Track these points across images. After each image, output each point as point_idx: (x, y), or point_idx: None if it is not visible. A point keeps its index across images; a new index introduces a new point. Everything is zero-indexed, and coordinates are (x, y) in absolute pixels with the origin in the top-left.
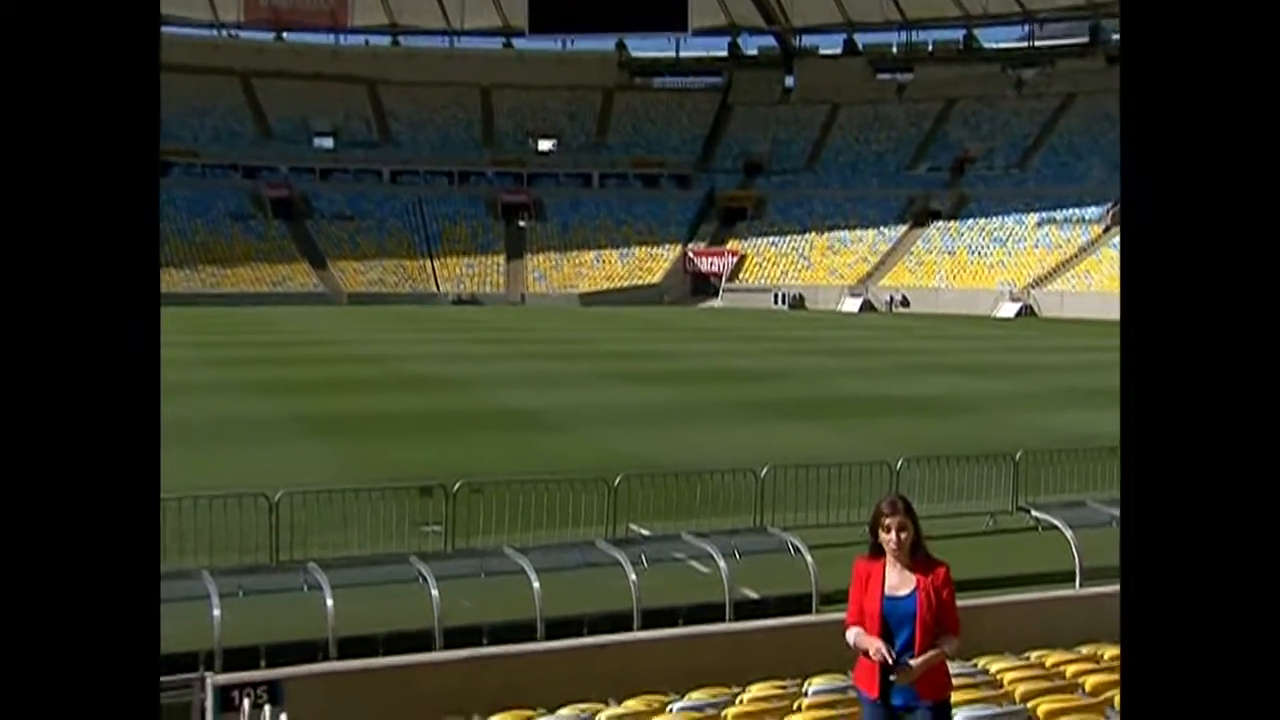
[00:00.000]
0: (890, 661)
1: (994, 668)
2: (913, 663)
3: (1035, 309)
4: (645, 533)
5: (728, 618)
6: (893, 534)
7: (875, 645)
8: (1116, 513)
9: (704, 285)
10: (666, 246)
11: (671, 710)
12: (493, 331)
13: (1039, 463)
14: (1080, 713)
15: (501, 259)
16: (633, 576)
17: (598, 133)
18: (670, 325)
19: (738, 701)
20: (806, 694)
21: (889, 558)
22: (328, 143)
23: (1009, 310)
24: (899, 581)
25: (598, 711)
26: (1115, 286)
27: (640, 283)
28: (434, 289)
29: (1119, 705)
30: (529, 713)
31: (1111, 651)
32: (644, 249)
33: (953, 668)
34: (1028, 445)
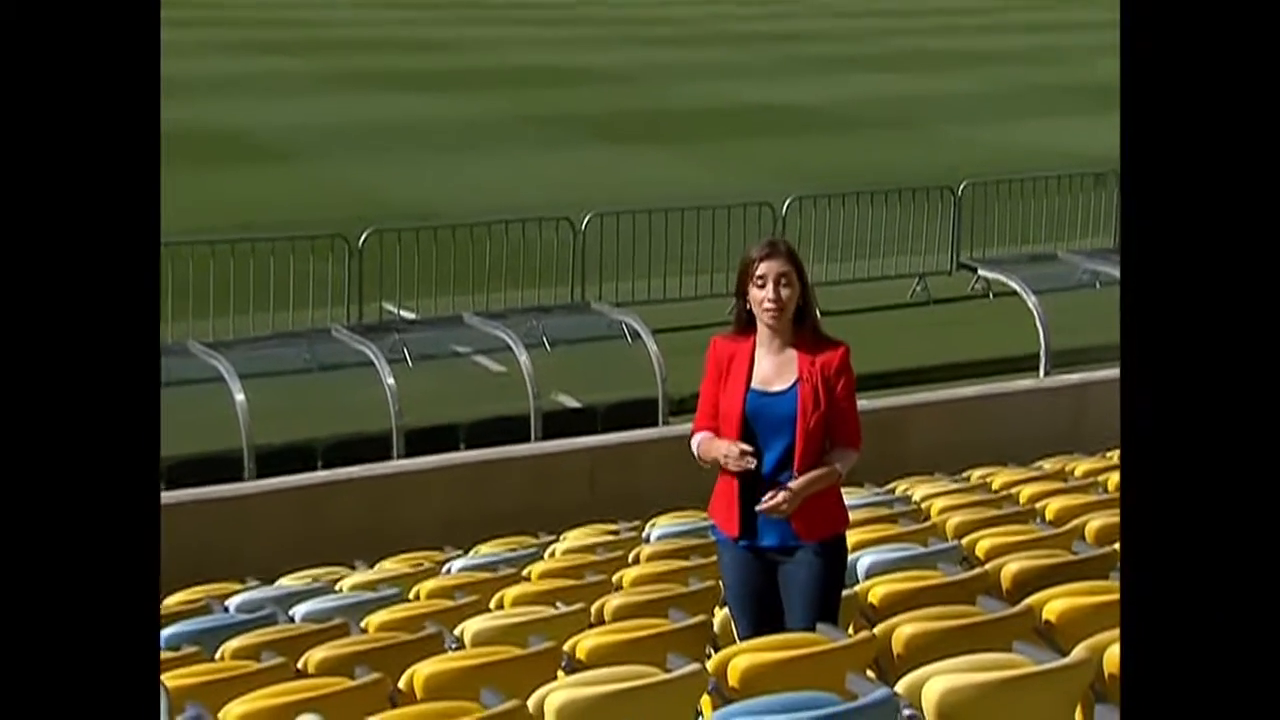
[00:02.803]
0: (752, 472)
1: (918, 493)
2: (792, 486)
3: None
4: (409, 315)
5: (533, 436)
6: (769, 288)
7: (727, 449)
8: (1098, 268)
9: None
10: None
11: (450, 570)
12: None
13: (992, 198)
14: (1037, 548)
15: None
16: (389, 380)
17: None
18: None
19: (548, 554)
20: (648, 540)
21: (762, 333)
22: None
23: None
24: (774, 371)
25: (339, 578)
26: None
27: None
28: None
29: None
30: (232, 585)
31: (1086, 465)
32: None
33: (856, 496)
34: (976, 173)
